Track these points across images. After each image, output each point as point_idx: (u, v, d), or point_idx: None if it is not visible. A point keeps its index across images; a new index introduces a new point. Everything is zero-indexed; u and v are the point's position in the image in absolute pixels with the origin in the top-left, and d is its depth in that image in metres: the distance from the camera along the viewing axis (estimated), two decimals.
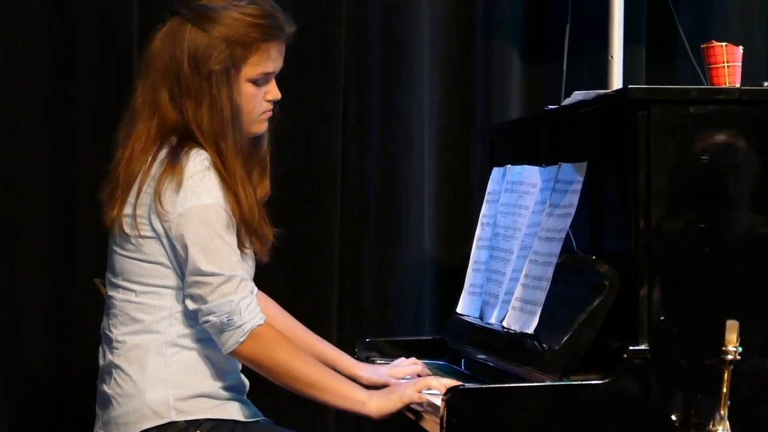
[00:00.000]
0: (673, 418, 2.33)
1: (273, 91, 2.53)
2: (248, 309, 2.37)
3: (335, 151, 3.60)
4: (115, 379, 2.43)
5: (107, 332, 2.48)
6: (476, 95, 3.76)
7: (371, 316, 3.63)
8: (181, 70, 2.42)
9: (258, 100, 2.50)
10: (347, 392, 2.46)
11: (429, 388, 2.48)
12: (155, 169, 2.40)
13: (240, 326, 2.36)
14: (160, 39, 2.47)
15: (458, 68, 3.78)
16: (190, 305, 2.38)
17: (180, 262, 2.39)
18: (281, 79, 2.56)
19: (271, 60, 2.49)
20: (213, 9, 2.45)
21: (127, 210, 2.41)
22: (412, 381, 2.56)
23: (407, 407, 2.49)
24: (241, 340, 2.37)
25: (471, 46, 3.77)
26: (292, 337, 2.60)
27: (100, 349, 2.50)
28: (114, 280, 2.48)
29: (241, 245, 2.41)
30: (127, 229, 2.41)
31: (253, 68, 2.47)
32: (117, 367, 2.43)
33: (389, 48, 3.67)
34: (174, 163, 2.38)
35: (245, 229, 2.42)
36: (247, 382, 2.55)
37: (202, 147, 2.41)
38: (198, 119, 2.41)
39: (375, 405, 2.45)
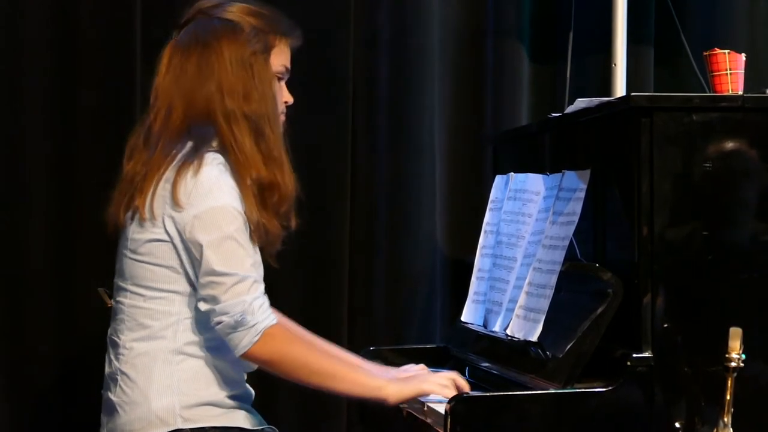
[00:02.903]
0: (677, 425, 2.33)
1: (286, 94, 2.58)
2: (261, 309, 2.37)
3: (344, 159, 3.59)
4: (120, 386, 2.43)
5: (114, 338, 2.48)
6: (487, 102, 3.76)
7: (382, 325, 3.62)
8: (219, 61, 2.44)
9: (279, 97, 2.54)
10: (363, 380, 2.47)
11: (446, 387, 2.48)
12: (171, 172, 2.41)
13: (253, 326, 2.36)
14: (184, 42, 2.49)
15: (468, 75, 3.77)
16: (203, 306, 2.38)
17: (193, 264, 2.39)
18: (288, 84, 2.57)
19: (288, 55, 2.55)
20: (231, 4, 2.51)
21: (146, 208, 2.41)
22: (434, 373, 2.58)
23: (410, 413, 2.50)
24: (255, 340, 2.36)
25: (481, 52, 3.77)
26: None
27: (106, 356, 2.50)
28: (123, 285, 2.48)
29: (253, 242, 2.41)
30: (139, 230, 2.42)
31: (277, 59, 2.51)
32: (123, 374, 2.43)
33: (398, 55, 3.67)
34: (190, 165, 2.39)
35: (277, 213, 2.44)
36: (252, 392, 2.55)
37: (232, 140, 2.41)
38: (242, 105, 2.43)
39: (393, 389, 2.46)
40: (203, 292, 2.38)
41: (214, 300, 2.36)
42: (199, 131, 2.44)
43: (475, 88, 3.77)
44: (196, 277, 2.39)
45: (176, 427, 2.38)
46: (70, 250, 3.39)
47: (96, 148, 3.37)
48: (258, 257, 2.44)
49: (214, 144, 2.44)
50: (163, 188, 2.41)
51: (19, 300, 3.38)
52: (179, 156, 2.42)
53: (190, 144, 2.43)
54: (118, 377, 2.44)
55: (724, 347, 2.16)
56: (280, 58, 2.52)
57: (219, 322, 2.36)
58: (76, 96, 3.41)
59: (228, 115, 2.43)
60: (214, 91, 2.43)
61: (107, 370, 2.49)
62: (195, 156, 2.40)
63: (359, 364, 2.63)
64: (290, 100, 2.58)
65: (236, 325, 2.36)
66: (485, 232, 2.93)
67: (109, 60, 3.41)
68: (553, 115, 2.94)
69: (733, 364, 2.15)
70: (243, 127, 2.43)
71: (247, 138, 2.42)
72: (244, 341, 2.36)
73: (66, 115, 3.41)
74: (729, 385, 2.16)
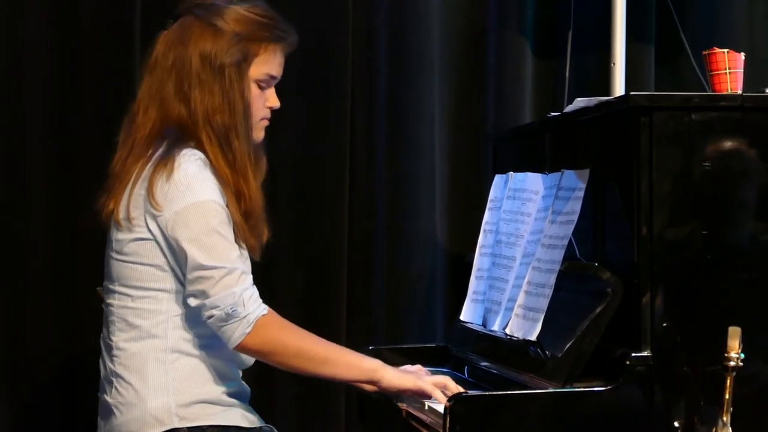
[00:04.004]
0: (676, 424, 2.33)
1: (272, 99, 2.55)
2: (251, 300, 2.37)
3: (343, 159, 3.59)
4: (116, 388, 2.43)
5: (107, 341, 2.48)
6: (488, 100, 3.76)
7: (381, 325, 3.62)
8: (192, 66, 2.43)
9: (260, 103, 2.52)
10: (359, 362, 2.48)
11: (445, 387, 2.48)
12: (147, 170, 2.41)
13: (245, 317, 2.36)
14: (170, 39, 2.49)
15: (469, 72, 3.77)
16: (193, 302, 2.38)
17: (179, 261, 2.39)
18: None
19: (276, 62, 2.52)
20: (224, 7, 2.48)
21: (121, 212, 2.42)
22: (430, 374, 2.58)
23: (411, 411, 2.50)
24: (247, 331, 2.36)
25: (482, 50, 3.77)
26: None
27: (100, 359, 2.51)
28: (111, 287, 2.48)
29: (238, 240, 2.41)
30: (120, 232, 2.42)
31: (259, 67, 2.48)
32: (117, 375, 2.43)
33: (397, 54, 3.66)
34: (167, 162, 2.39)
35: (248, 222, 2.42)
36: (249, 389, 2.55)
37: (201, 146, 2.41)
38: (209, 114, 2.42)
39: (388, 375, 2.47)
40: (192, 288, 2.37)
41: (203, 294, 2.36)
42: (175, 131, 2.44)
43: (476, 87, 3.76)
44: (183, 273, 2.38)
45: (173, 426, 2.38)
46: (70, 250, 3.40)
47: (96, 148, 3.36)
48: (244, 250, 2.44)
49: (191, 143, 2.44)
50: (140, 187, 2.41)
51: (19, 300, 3.39)
52: (156, 155, 2.42)
53: (166, 143, 2.43)
54: (113, 379, 2.44)
55: (724, 347, 2.15)
56: (262, 67, 2.49)
57: (210, 316, 2.36)
58: (76, 96, 3.41)
59: (196, 121, 2.42)
60: (184, 97, 2.43)
61: (102, 372, 2.49)
62: (171, 153, 2.40)
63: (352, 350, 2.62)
64: (276, 104, 2.55)
65: (227, 318, 2.35)
66: (484, 231, 2.93)
67: (109, 60, 3.42)
68: (552, 114, 2.95)
69: (732, 363, 2.15)
70: (210, 135, 2.42)
71: (213, 146, 2.41)
72: (236, 333, 2.36)
73: (66, 115, 3.41)
74: (728, 384, 2.16)
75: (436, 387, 2.48)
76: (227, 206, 2.40)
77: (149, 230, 2.40)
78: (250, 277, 2.42)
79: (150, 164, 2.42)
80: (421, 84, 3.67)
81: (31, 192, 3.39)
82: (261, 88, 2.51)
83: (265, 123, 2.56)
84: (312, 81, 3.53)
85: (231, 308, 2.35)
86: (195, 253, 2.36)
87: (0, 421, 3.36)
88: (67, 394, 3.38)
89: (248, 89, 2.47)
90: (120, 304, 2.46)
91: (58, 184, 3.41)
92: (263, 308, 2.39)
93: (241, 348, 2.39)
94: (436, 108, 3.70)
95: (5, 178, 3.38)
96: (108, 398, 2.45)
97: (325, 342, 2.48)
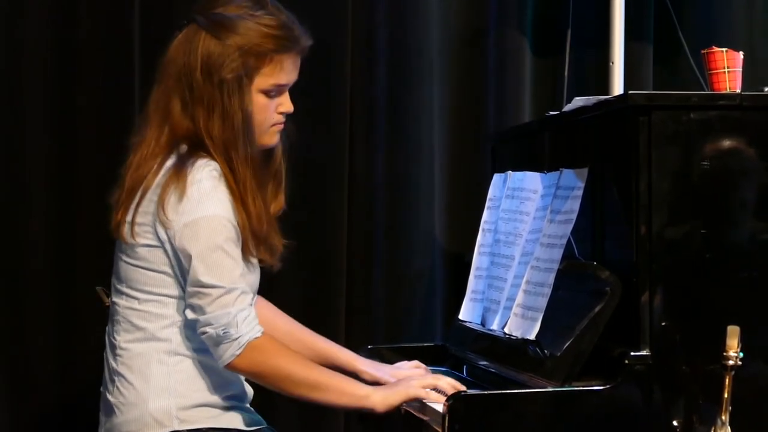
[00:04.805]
0: (675, 423, 2.33)
1: (286, 104, 2.52)
2: (245, 322, 2.36)
3: (342, 158, 3.59)
4: (117, 387, 2.44)
5: (111, 338, 2.49)
6: (488, 99, 3.75)
7: (380, 324, 3.62)
8: (194, 77, 2.41)
9: (269, 111, 2.49)
10: (350, 389, 2.46)
11: (435, 387, 2.48)
12: (161, 177, 2.40)
13: (236, 339, 2.35)
14: (176, 46, 2.47)
15: (469, 72, 3.76)
16: (190, 315, 2.38)
17: (183, 271, 2.39)
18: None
19: (284, 72, 2.48)
20: (229, 18, 2.43)
21: (128, 216, 2.42)
22: (418, 375, 2.57)
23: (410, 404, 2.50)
24: (237, 353, 2.35)
25: (482, 49, 3.77)
26: (293, 339, 2.65)
27: (105, 355, 2.51)
28: (118, 287, 2.48)
29: (248, 255, 2.41)
30: (126, 236, 2.42)
31: (265, 79, 2.45)
32: (120, 375, 2.44)
33: (397, 54, 3.66)
34: (180, 172, 2.38)
35: (254, 239, 2.41)
36: (250, 391, 2.55)
37: (212, 156, 2.41)
38: (209, 127, 2.41)
39: (379, 398, 2.44)
40: (190, 301, 2.37)
41: (200, 310, 2.36)
42: (185, 142, 2.43)
43: (476, 87, 3.76)
44: (186, 283, 2.38)
45: (172, 429, 2.38)
46: (70, 250, 3.40)
47: (96, 147, 3.37)
48: (251, 265, 2.44)
49: (203, 153, 2.42)
50: (153, 193, 2.40)
51: (19, 300, 3.39)
52: (168, 164, 2.41)
53: (178, 152, 2.42)
54: (116, 378, 2.44)
55: (723, 346, 2.15)
56: (268, 79, 2.45)
57: (204, 333, 2.36)
58: (76, 96, 3.42)
59: (201, 136, 2.41)
60: (189, 112, 2.42)
61: (105, 369, 2.50)
62: (185, 164, 2.39)
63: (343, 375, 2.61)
64: (289, 109, 2.52)
65: (219, 338, 2.35)
66: (483, 230, 2.93)
67: (109, 60, 3.42)
68: (551, 113, 2.95)
69: (731, 362, 2.15)
70: (214, 149, 2.40)
71: (219, 160, 2.40)
72: (227, 353, 2.36)
73: (66, 115, 3.42)
74: (727, 383, 2.16)
75: (426, 385, 2.48)
76: (237, 223, 2.39)
77: (158, 238, 2.40)
78: (249, 297, 2.41)
79: (162, 173, 2.40)
80: (421, 84, 3.67)
81: (31, 192, 3.40)
82: (270, 96, 2.48)
83: (278, 128, 2.53)
84: (312, 81, 3.52)
85: (224, 329, 2.35)
86: (197, 268, 2.35)
87: (0, 421, 3.36)
88: (67, 394, 3.39)
89: (250, 102, 2.43)
90: (126, 305, 2.46)
91: (58, 184, 3.41)
92: (257, 331, 2.38)
93: (231, 368, 2.38)
94: (436, 108, 3.70)
95: (5, 178, 3.38)
96: (110, 397, 2.45)
97: (318, 368, 2.47)
